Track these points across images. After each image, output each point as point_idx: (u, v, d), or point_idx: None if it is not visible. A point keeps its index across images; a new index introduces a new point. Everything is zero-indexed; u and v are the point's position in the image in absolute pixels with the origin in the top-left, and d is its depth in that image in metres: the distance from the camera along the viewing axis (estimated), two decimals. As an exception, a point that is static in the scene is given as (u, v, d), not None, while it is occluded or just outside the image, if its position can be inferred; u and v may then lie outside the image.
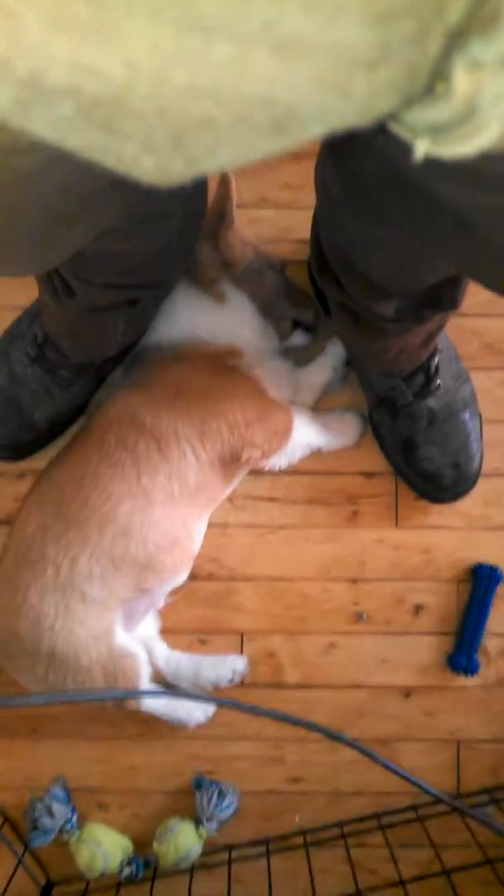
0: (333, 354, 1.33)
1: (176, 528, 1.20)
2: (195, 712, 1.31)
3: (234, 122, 0.31)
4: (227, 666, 1.32)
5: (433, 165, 0.35)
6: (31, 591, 1.15)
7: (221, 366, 1.22)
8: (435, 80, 0.31)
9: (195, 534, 1.25)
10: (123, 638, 1.19)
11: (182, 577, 1.27)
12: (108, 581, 1.16)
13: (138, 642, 1.23)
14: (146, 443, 1.17)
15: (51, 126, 0.32)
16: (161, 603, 1.30)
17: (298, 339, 1.33)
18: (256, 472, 1.35)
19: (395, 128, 0.34)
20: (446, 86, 0.30)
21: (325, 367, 1.33)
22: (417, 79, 0.31)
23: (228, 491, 1.31)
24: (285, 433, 1.25)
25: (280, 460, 1.27)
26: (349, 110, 0.31)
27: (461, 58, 0.29)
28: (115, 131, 0.31)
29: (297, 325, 1.31)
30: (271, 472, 1.35)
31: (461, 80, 0.30)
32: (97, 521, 1.15)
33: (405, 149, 0.34)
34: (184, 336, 1.25)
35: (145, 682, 1.22)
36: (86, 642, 1.15)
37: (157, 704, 1.27)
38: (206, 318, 1.25)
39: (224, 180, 1.20)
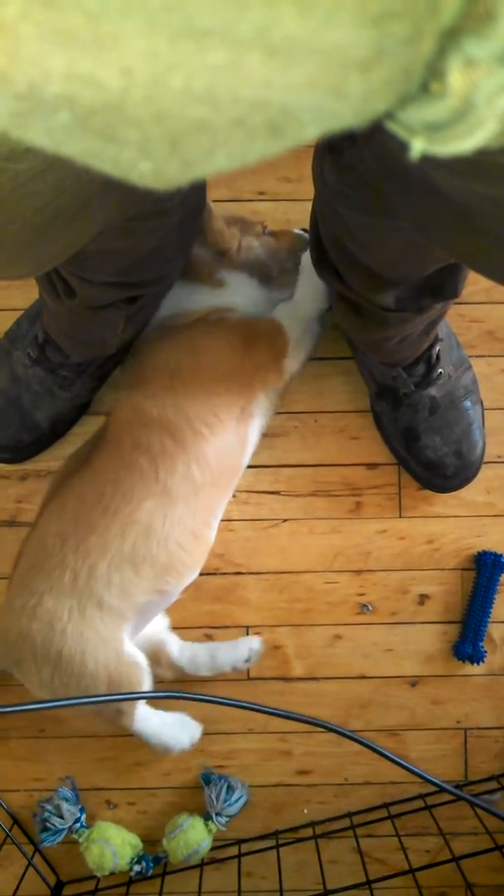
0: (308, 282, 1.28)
1: (196, 522, 1.19)
2: (181, 737, 1.29)
3: (231, 125, 0.31)
4: (243, 647, 1.32)
5: (431, 157, 0.35)
6: (46, 596, 1.14)
7: (204, 327, 1.21)
8: (430, 79, 0.31)
9: (213, 524, 1.24)
10: (130, 646, 1.19)
11: (196, 574, 1.26)
12: (126, 588, 1.15)
13: (141, 652, 1.22)
14: (159, 437, 1.16)
15: (47, 135, 0.32)
16: (173, 600, 1.30)
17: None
18: (258, 466, 1.35)
19: (391, 126, 0.34)
20: (441, 84, 0.30)
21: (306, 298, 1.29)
22: (412, 78, 0.30)
23: (248, 456, 1.28)
24: (279, 338, 1.23)
25: (293, 364, 1.25)
26: (344, 111, 0.31)
27: (455, 56, 0.29)
28: (112, 138, 0.31)
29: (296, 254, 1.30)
30: (273, 465, 1.35)
31: (456, 78, 0.30)
32: (119, 525, 1.14)
33: (402, 143, 0.34)
34: (166, 314, 1.24)
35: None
36: (94, 647, 1.15)
37: (147, 727, 1.25)
38: (199, 298, 1.24)
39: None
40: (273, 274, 1.27)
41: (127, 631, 1.19)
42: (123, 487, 1.15)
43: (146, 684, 1.20)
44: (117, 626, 1.17)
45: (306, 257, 1.25)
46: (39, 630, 1.14)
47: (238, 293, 1.25)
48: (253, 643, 1.33)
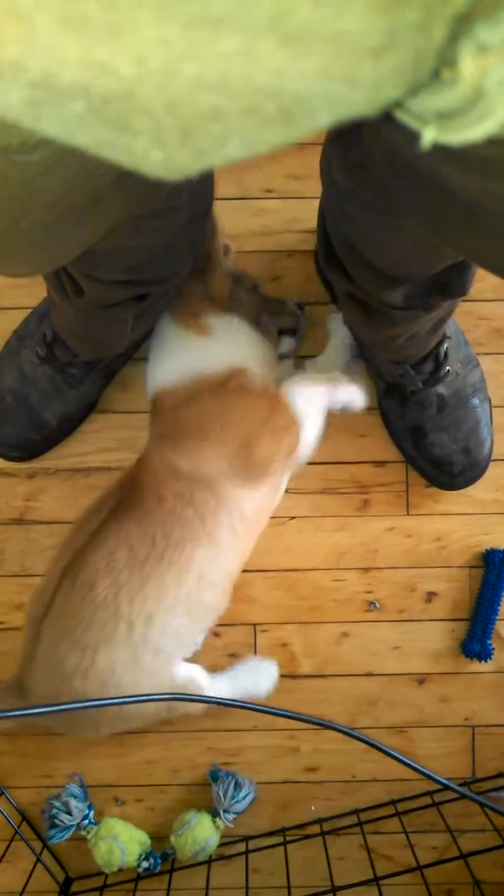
0: (337, 337, 1.32)
1: (235, 568, 1.21)
2: (259, 683, 1.33)
3: (243, 113, 0.31)
4: (264, 676, 1.35)
5: (440, 153, 0.35)
6: (100, 654, 1.13)
7: (227, 392, 1.19)
8: (441, 67, 0.31)
9: (241, 565, 1.24)
10: (182, 669, 1.21)
11: None
12: (180, 632, 1.17)
13: (192, 665, 1.24)
14: (200, 491, 1.15)
15: (61, 124, 0.32)
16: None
17: (287, 345, 1.31)
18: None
19: (402, 116, 0.34)
20: (452, 71, 0.30)
21: (336, 350, 1.32)
22: (423, 65, 0.31)
23: (279, 497, 1.28)
24: (294, 431, 1.20)
25: (304, 451, 1.22)
26: (356, 98, 0.31)
27: (467, 42, 0.29)
28: (125, 127, 0.32)
29: (281, 332, 1.31)
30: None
31: (468, 64, 0.30)
32: (175, 573, 1.14)
33: (412, 137, 0.34)
34: (185, 374, 1.22)
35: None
36: (150, 691, 1.15)
37: (223, 691, 1.28)
38: (196, 353, 1.22)
39: (211, 219, 1.18)
40: (261, 328, 1.27)
41: (177, 663, 1.20)
42: (175, 536, 1.15)
43: (206, 691, 1.22)
44: (169, 665, 1.18)
45: (335, 325, 1.30)
46: (94, 689, 1.14)
47: (226, 340, 1.23)
48: (272, 669, 1.35)
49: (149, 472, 1.19)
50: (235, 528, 1.17)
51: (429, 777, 0.85)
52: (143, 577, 1.14)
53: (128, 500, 1.19)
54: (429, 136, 0.33)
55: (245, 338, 1.24)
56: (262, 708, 0.84)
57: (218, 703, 0.87)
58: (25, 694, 1.19)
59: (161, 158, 0.34)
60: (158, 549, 1.15)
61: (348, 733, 0.82)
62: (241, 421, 1.18)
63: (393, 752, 0.83)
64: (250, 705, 0.84)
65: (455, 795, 1.34)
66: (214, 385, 1.20)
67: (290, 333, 1.32)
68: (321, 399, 1.23)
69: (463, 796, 0.89)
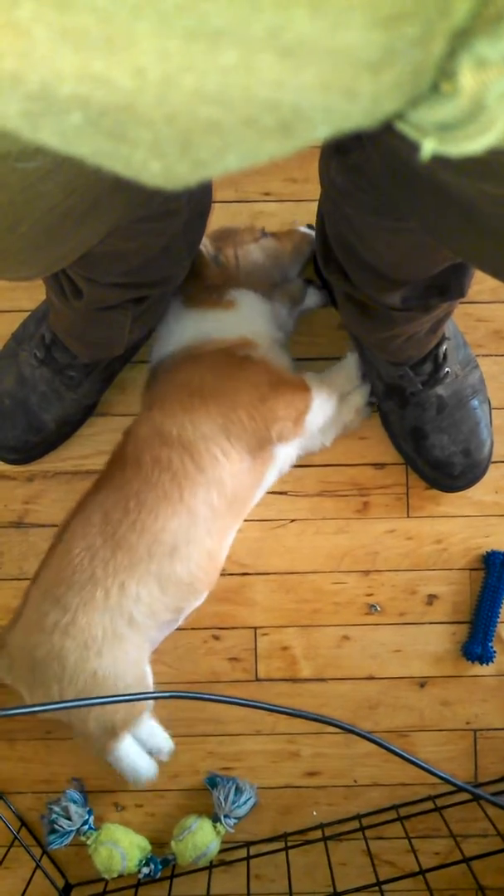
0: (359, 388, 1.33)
1: (213, 543, 1.20)
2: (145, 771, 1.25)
3: (241, 125, 0.31)
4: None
5: (439, 158, 0.35)
6: (79, 613, 1.13)
7: (230, 358, 1.20)
8: (440, 80, 0.31)
9: (226, 547, 1.25)
10: (147, 667, 1.20)
11: (205, 595, 1.26)
12: (153, 605, 1.16)
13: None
14: (179, 456, 1.15)
15: (59, 135, 0.32)
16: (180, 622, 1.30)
17: (312, 298, 1.32)
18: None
19: (402, 127, 0.34)
20: (452, 85, 0.30)
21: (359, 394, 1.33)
22: (422, 79, 0.31)
23: (260, 493, 1.28)
24: (304, 394, 1.22)
25: (315, 421, 1.24)
26: (355, 112, 0.31)
27: (467, 57, 0.29)
28: (124, 138, 0.31)
29: (308, 283, 1.32)
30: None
31: (467, 78, 0.30)
32: (146, 543, 1.14)
33: (412, 144, 0.34)
34: (194, 339, 1.23)
35: (148, 713, 1.21)
36: (124, 670, 1.15)
37: (127, 756, 1.22)
38: (217, 323, 1.23)
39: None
40: (276, 279, 1.27)
41: (147, 651, 1.20)
42: (148, 504, 1.15)
43: (150, 703, 1.21)
44: (144, 648, 1.18)
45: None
46: (74, 649, 1.13)
47: (250, 311, 1.25)
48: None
49: (134, 440, 1.20)
50: (213, 503, 1.17)
51: (441, 778, 0.84)
52: (115, 544, 1.14)
53: (110, 468, 1.21)
54: (428, 147, 0.32)
55: (264, 313, 1.26)
56: (268, 706, 0.84)
57: (227, 702, 0.87)
58: (3, 647, 1.20)
59: (160, 169, 0.34)
60: (132, 516, 1.15)
61: (362, 734, 0.82)
62: (249, 385, 1.18)
63: (406, 754, 0.83)
64: (257, 703, 0.84)
65: (457, 800, 1.34)
66: (217, 351, 1.21)
67: (318, 287, 1.33)
68: (333, 390, 1.27)
69: (477, 798, 0.89)
